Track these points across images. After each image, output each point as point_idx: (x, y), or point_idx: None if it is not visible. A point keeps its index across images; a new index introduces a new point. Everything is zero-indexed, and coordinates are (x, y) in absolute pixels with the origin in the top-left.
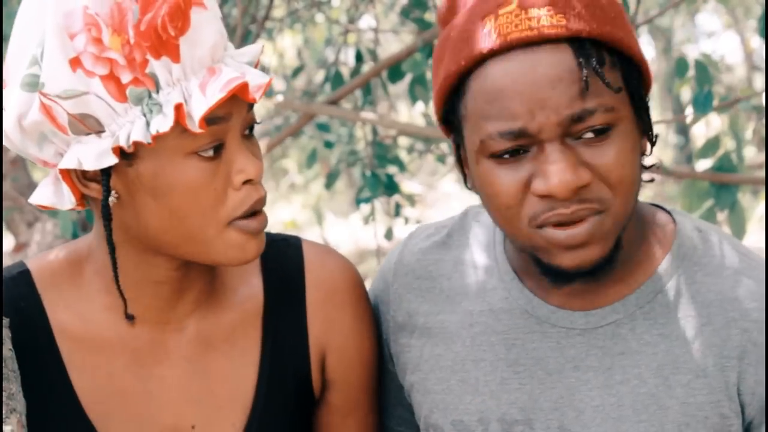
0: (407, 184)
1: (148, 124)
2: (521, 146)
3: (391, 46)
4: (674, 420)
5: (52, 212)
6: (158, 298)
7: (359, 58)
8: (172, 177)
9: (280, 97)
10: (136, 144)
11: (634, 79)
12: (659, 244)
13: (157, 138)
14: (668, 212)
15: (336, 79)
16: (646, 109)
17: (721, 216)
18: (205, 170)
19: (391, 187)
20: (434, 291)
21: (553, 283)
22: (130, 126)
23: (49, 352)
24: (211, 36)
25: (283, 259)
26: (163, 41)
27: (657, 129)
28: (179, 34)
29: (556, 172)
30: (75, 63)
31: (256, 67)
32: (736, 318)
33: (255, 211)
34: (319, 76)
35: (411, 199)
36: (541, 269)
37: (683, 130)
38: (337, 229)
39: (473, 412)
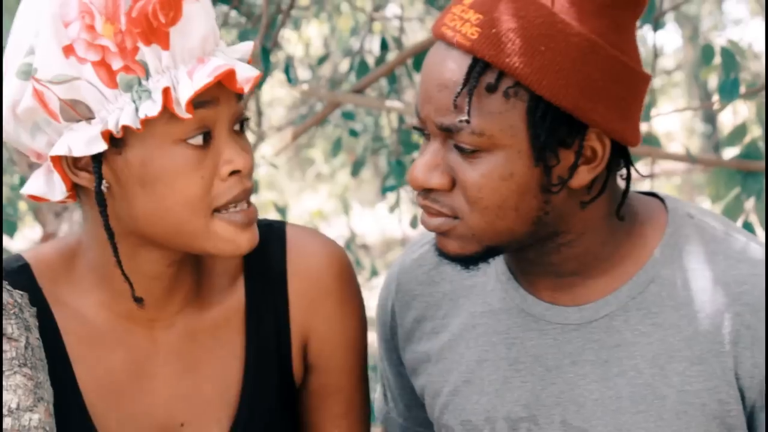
0: None
1: (137, 109)
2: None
3: (417, 34)
4: (672, 408)
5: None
6: (150, 295)
7: (384, 46)
8: (160, 164)
9: (305, 86)
10: (125, 130)
11: (550, 124)
12: (651, 233)
13: (146, 123)
14: (661, 199)
15: (361, 68)
16: (549, 161)
17: (748, 203)
18: (192, 158)
19: None
20: (437, 295)
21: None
22: (119, 112)
23: (55, 346)
24: (202, 27)
25: (265, 248)
26: (154, 28)
27: (684, 117)
28: (170, 23)
29: (415, 165)
30: (68, 50)
31: (248, 63)
32: (729, 303)
33: (243, 203)
34: (345, 64)
35: None
36: None
37: (710, 118)
38: (363, 218)
39: (480, 411)
